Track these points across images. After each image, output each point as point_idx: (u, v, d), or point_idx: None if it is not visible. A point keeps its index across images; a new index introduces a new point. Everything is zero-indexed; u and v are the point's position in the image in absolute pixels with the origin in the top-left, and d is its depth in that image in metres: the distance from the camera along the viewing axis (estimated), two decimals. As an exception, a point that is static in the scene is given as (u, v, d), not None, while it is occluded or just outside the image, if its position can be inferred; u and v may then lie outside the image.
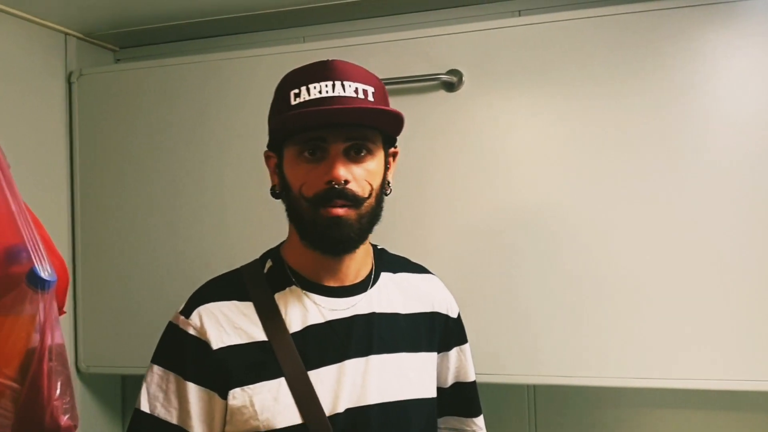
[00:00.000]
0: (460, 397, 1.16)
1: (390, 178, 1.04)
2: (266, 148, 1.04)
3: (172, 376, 0.96)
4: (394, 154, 1.06)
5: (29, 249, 0.94)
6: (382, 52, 1.48)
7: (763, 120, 1.28)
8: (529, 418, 1.62)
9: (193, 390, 0.95)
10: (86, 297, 1.69)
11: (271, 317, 0.98)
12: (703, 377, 1.29)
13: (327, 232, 0.94)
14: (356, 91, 0.93)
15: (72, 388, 1.00)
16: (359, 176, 0.95)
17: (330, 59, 0.96)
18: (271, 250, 1.08)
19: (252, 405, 0.93)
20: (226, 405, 0.94)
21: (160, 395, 0.96)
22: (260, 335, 0.97)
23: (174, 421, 0.95)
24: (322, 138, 0.93)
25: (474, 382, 1.17)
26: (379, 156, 0.99)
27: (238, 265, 1.07)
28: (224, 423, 0.95)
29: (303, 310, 0.99)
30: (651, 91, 1.33)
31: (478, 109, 1.43)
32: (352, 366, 0.98)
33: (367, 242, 1.04)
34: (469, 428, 1.18)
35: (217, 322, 0.97)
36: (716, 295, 1.29)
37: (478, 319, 1.36)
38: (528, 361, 1.39)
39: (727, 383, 1.29)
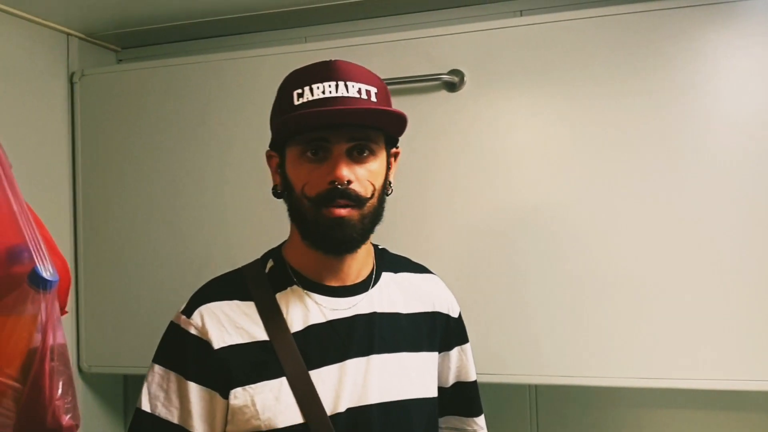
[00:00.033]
0: (461, 397, 1.16)
1: (391, 178, 1.04)
2: (268, 148, 1.04)
3: (173, 376, 0.96)
4: (396, 155, 1.06)
5: (31, 249, 0.94)
6: (383, 52, 1.48)
7: (763, 120, 1.27)
8: (531, 417, 1.62)
9: (194, 390, 0.95)
10: (88, 297, 1.69)
11: (272, 317, 0.98)
12: (704, 377, 1.29)
13: (329, 232, 0.94)
14: (359, 91, 0.94)
15: (74, 388, 1.01)
16: (362, 176, 0.95)
17: (333, 59, 0.96)
18: (273, 249, 1.08)
19: (253, 404, 0.93)
20: (228, 404, 0.95)
21: (161, 395, 0.97)
22: (261, 335, 0.97)
23: (175, 420, 0.95)
24: (326, 138, 0.93)
25: (475, 381, 1.17)
26: (382, 156, 0.99)
27: (239, 265, 1.07)
28: (225, 422, 0.95)
29: (304, 310, 0.99)
30: (652, 91, 1.33)
31: (479, 109, 1.43)
32: (354, 366, 0.98)
33: (368, 242, 1.04)
34: (470, 428, 1.18)
35: (219, 322, 0.97)
36: (717, 295, 1.29)
37: (480, 319, 1.37)
38: (529, 361, 1.39)
39: (728, 383, 1.29)
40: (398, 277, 1.10)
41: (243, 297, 1.00)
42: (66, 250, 1.66)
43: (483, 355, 1.27)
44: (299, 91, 0.94)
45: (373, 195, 0.96)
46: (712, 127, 1.30)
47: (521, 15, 1.54)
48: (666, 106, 1.32)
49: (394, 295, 1.07)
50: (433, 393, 1.07)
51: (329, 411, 0.94)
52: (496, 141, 1.42)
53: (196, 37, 1.78)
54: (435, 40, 1.46)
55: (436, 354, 1.10)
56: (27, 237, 0.94)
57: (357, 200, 0.94)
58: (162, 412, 0.96)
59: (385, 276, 1.08)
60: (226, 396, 0.94)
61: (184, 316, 0.99)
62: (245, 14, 1.62)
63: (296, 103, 0.93)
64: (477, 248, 1.43)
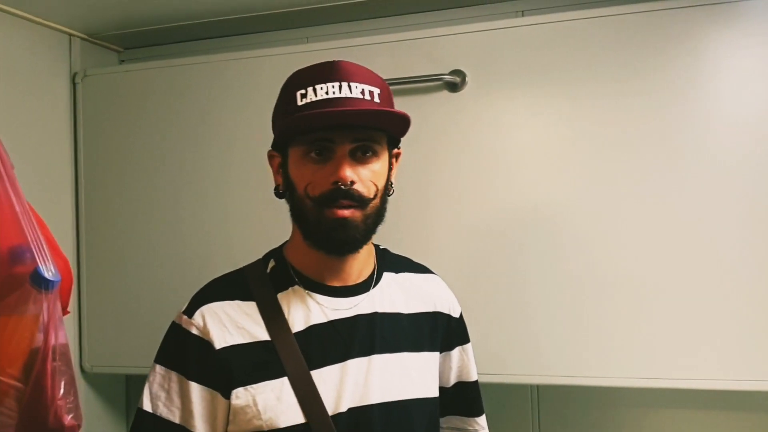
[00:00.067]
0: (462, 397, 1.16)
1: (393, 178, 1.04)
2: (270, 148, 1.04)
3: (174, 376, 0.97)
4: (397, 155, 1.06)
5: (33, 249, 0.94)
6: (385, 53, 1.48)
7: (764, 120, 1.27)
8: (532, 417, 1.61)
9: (195, 389, 0.95)
10: (90, 297, 1.70)
11: (273, 317, 0.98)
12: (704, 377, 1.29)
13: (332, 233, 0.94)
14: (362, 92, 0.94)
15: (76, 388, 1.01)
16: (365, 177, 0.95)
17: (336, 60, 0.96)
18: (274, 249, 1.08)
19: (255, 404, 0.94)
20: (229, 404, 0.95)
21: (163, 395, 0.97)
22: (263, 335, 0.97)
23: (176, 420, 0.95)
24: (329, 139, 0.93)
25: (476, 381, 1.17)
26: (384, 157, 0.99)
27: (241, 265, 1.07)
28: (227, 422, 0.96)
29: (306, 310, 1.00)
30: (653, 91, 1.33)
31: (481, 110, 1.43)
32: (355, 365, 0.98)
33: (369, 242, 1.04)
34: (471, 428, 1.18)
35: (220, 322, 0.97)
36: (717, 295, 1.29)
37: (481, 319, 1.37)
38: (531, 361, 1.39)
39: (728, 383, 1.29)
40: (399, 277, 1.10)
41: (244, 297, 1.00)
42: (68, 250, 1.66)
43: (484, 355, 1.27)
44: (303, 91, 0.94)
45: (375, 195, 0.96)
46: (712, 127, 1.30)
47: (523, 15, 1.54)
48: (667, 106, 1.32)
49: (396, 295, 1.07)
50: (435, 393, 1.07)
51: (331, 411, 0.94)
52: (497, 141, 1.42)
53: (198, 37, 1.78)
54: (437, 40, 1.46)
55: (437, 354, 1.10)
56: (29, 237, 0.94)
57: (360, 201, 0.94)
58: (163, 412, 0.96)
59: (387, 276, 1.09)
60: (227, 396, 0.95)
61: (185, 316, 0.99)
62: (247, 15, 1.63)
63: (300, 103, 0.93)
64: (478, 248, 1.43)
